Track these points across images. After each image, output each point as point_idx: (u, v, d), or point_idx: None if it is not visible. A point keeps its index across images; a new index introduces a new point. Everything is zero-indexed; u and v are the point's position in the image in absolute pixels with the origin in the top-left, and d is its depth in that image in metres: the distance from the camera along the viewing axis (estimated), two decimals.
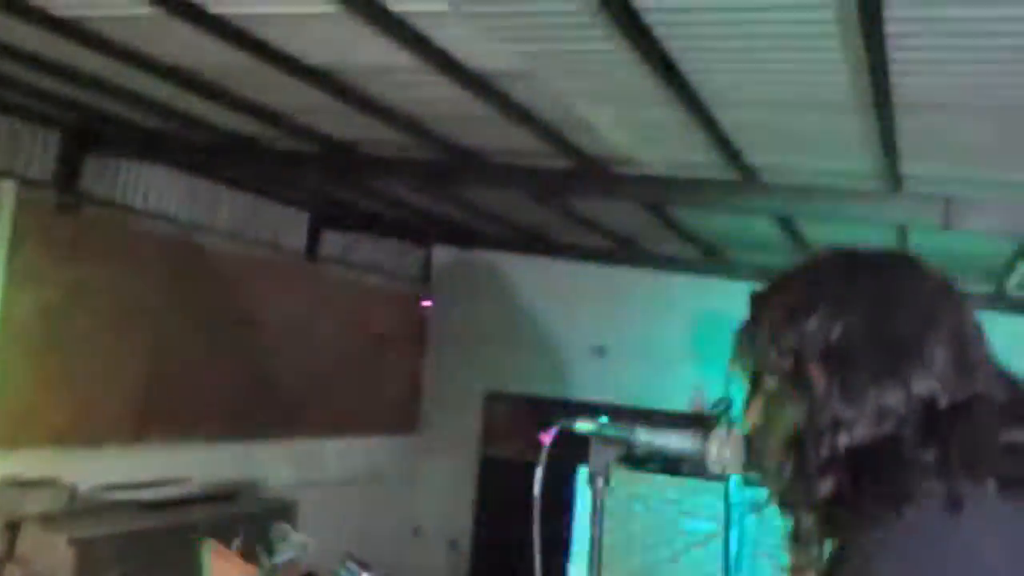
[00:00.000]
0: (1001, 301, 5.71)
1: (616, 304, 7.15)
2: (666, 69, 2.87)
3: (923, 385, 0.80)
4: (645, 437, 1.44)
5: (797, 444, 0.86)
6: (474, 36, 2.87)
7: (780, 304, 0.91)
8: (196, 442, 5.60)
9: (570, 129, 3.73)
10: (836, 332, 0.84)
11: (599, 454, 1.49)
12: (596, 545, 1.57)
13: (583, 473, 4.60)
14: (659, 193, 4.14)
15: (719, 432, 1.22)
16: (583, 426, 1.54)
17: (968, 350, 0.84)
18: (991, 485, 0.75)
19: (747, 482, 3.77)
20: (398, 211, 6.48)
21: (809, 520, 0.87)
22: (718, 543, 3.89)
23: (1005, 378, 0.85)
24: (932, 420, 0.79)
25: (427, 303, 7.99)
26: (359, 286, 7.27)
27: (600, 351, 7.22)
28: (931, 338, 0.81)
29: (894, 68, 2.58)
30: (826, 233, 5.02)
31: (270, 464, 6.22)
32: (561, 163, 4.20)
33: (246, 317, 6.04)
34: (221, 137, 4.58)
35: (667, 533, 4.07)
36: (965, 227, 3.58)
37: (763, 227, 4.98)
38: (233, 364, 5.88)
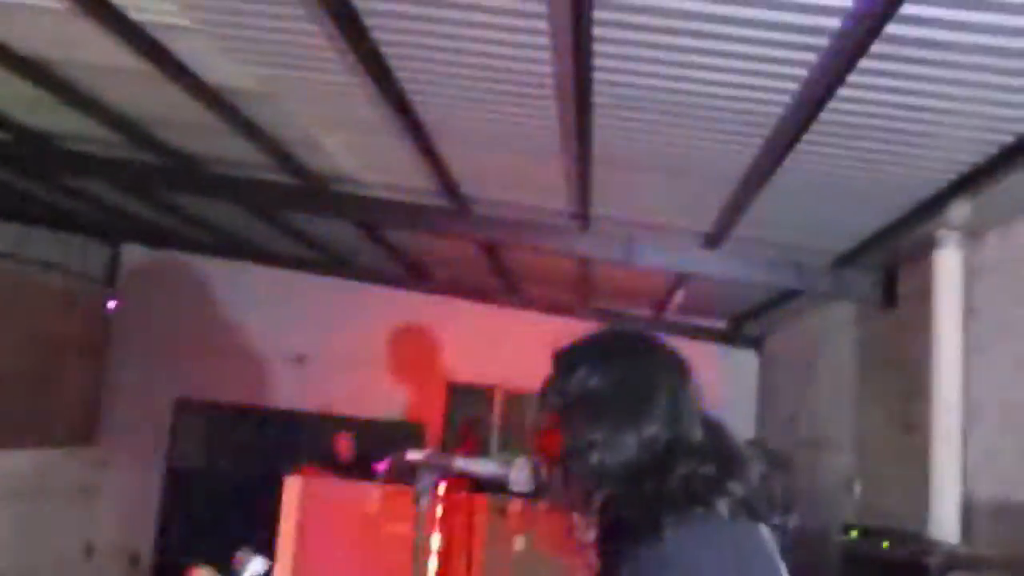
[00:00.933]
0: (659, 324, 6.61)
1: (319, 313, 7.22)
2: (399, 103, 3.09)
3: (649, 429, 1.10)
4: (460, 464, 1.68)
5: (565, 462, 1.13)
6: (214, 53, 2.89)
7: (562, 365, 1.18)
8: None
9: (298, 148, 3.82)
10: (589, 388, 1.13)
11: (424, 478, 1.68)
12: (425, 552, 1.76)
13: (289, 482, 4.65)
14: (379, 215, 4.34)
15: (518, 460, 1.46)
16: (414, 455, 1.72)
17: (678, 401, 1.15)
18: (721, 507, 1.04)
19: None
20: (82, 204, 5.99)
21: (582, 523, 1.13)
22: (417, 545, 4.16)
23: (705, 421, 1.18)
24: (655, 459, 1.08)
25: (112, 305, 7.49)
26: (32, 285, 6.64)
27: (301, 359, 7.24)
28: (650, 396, 1.12)
29: (596, 129, 3.00)
30: (522, 259, 5.53)
31: None
32: (282, 178, 4.26)
33: None
34: None
35: (369, 536, 4.26)
36: (640, 263, 4.18)
37: (468, 250, 5.37)
38: None
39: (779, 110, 2.62)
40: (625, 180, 3.55)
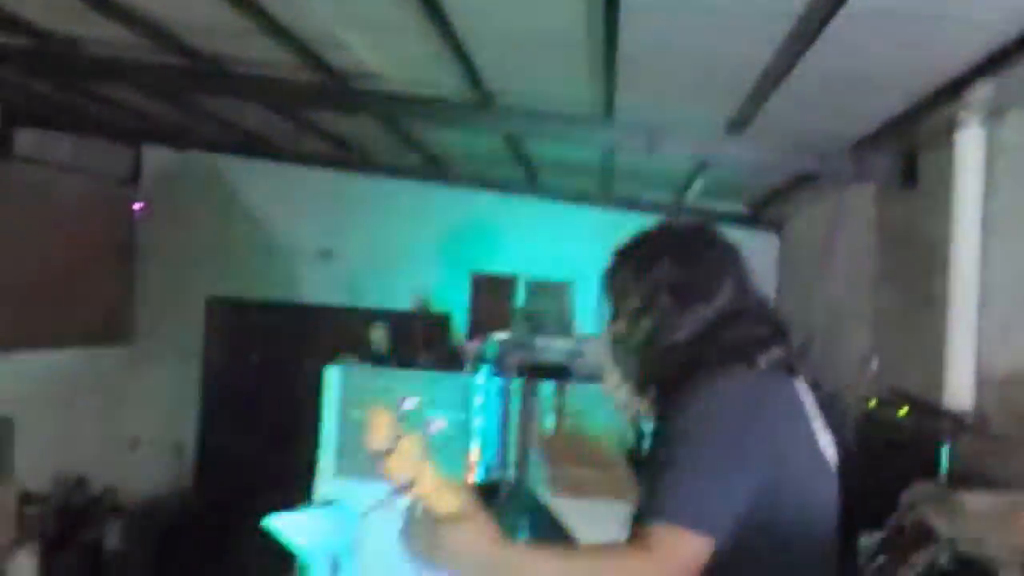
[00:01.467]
0: (680, 210, 6.70)
1: (341, 208, 7.33)
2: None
3: (718, 305, 1.25)
4: (542, 343, 1.84)
5: (651, 341, 1.28)
6: None
7: (640, 256, 1.32)
8: None
9: (322, 46, 3.84)
10: (674, 275, 1.28)
11: (508, 356, 1.85)
12: (512, 430, 1.94)
13: (330, 371, 4.85)
14: (403, 111, 4.39)
15: (593, 339, 1.60)
16: (500, 336, 1.88)
17: (743, 283, 1.30)
18: (761, 362, 1.21)
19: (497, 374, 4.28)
20: (104, 107, 6.04)
21: (653, 391, 1.29)
22: (457, 429, 4.39)
23: (757, 294, 1.34)
24: (721, 325, 1.24)
25: (139, 206, 7.62)
26: (59, 188, 6.74)
27: (327, 254, 7.39)
28: (724, 279, 1.27)
29: (623, 17, 3.02)
30: (545, 151, 5.58)
31: None
32: (306, 76, 4.29)
33: None
34: None
35: (409, 423, 4.49)
36: (664, 151, 4.24)
37: (491, 143, 5.42)
38: None
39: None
40: (650, 71, 3.57)
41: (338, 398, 4.57)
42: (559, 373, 5.99)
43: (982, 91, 3.19)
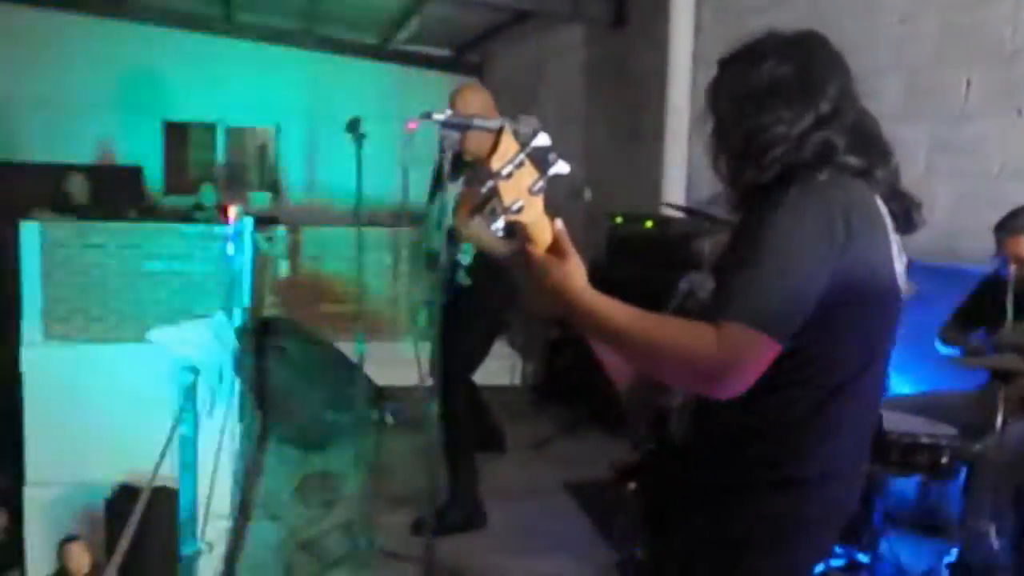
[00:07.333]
0: (386, 52, 6.60)
1: (9, 49, 6.26)
2: None
3: (824, 106, 1.26)
4: (479, 122, 1.72)
5: (756, 137, 1.25)
6: None
7: (749, 57, 1.27)
8: None
9: None
10: (781, 74, 1.25)
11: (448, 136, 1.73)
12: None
13: (27, 229, 4.37)
14: None
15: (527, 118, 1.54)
16: (438, 115, 1.74)
17: (848, 86, 1.32)
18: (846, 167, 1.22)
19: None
20: None
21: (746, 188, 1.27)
22: (178, 280, 4.15)
23: (862, 111, 1.35)
24: (818, 126, 1.24)
25: None
26: None
27: None
28: (831, 81, 1.28)
29: None
30: None
31: None
32: None
33: None
34: None
35: (129, 277, 4.14)
36: None
37: None
38: None
39: None
40: None
41: (38, 258, 4.10)
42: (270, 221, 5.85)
43: None
